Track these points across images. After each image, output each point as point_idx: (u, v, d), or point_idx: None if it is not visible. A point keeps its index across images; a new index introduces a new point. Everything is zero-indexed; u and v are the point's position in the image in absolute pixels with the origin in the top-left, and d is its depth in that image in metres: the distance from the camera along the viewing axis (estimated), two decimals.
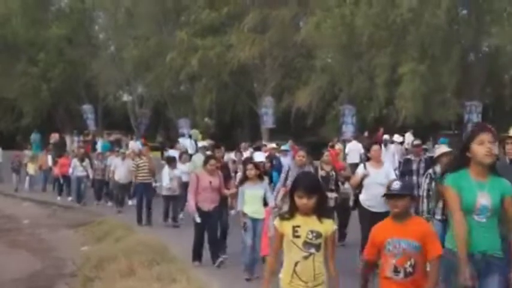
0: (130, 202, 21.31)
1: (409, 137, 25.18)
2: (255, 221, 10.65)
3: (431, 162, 11.10)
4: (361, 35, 28.80)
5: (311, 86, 32.49)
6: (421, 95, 27.20)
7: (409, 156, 13.43)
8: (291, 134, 31.50)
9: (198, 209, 11.57)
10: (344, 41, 29.50)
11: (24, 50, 44.10)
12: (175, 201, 17.39)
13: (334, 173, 12.29)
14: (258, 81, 36.67)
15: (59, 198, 25.45)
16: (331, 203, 11.38)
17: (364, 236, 9.38)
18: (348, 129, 30.84)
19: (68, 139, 45.03)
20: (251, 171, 10.67)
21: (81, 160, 23.80)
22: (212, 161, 11.90)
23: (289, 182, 10.99)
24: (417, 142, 13.97)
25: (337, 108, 32.85)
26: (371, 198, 10.36)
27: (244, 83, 38.93)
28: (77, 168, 23.50)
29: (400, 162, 14.93)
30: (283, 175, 12.10)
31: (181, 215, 17.69)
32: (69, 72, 44.47)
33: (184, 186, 17.10)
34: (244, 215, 10.59)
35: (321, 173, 12.28)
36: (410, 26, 27.59)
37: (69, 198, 24.74)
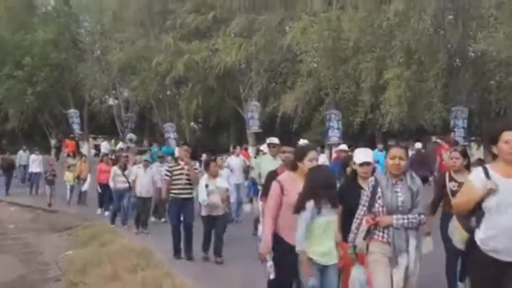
0: (153, 219, 18.17)
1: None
2: (326, 268, 6.25)
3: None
4: (347, 40, 28.86)
5: (297, 91, 32.52)
6: (406, 100, 27.24)
7: None
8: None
9: (278, 243, 6.52)
10: (330, 46, 29.52)
11: (10, 53, 43.93)
12: (218, 223, 12.25)
13: None
14: (244, 86, 36.68)
15: (99, 211, 21.18)
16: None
17: None
18: (334, 134, 30.87)
19: (53, 143, 45.05)
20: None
21: (123, 168, 18.48)
22: (313, 153, 6.73)
23: (379, 206, 6.11)
24: None
25: (323, 113, 32.86)
26: (500, 234, 5.20)
27: (230, 88, 38.97)
28: (117, 178, 18.37)
29: None
30: (367, 194, 6.26)
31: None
32: (54, 76, 44.52)
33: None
34: (310, 260, 6.13)
35: (451, 185, 8.28)
36: (397, 31, 27.64)
37: (106, 214, 20.21)
